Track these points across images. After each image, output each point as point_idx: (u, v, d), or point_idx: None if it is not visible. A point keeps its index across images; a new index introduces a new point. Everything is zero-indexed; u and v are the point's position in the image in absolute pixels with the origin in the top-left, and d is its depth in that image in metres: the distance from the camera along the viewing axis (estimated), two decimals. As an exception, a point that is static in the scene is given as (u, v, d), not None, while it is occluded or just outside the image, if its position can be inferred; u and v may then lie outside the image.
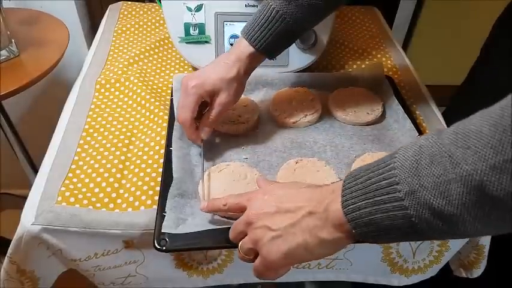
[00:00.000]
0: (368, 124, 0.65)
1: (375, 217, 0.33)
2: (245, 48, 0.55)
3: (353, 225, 0.34)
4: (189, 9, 0.71)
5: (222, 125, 0.61)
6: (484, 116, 0.28)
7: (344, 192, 0.35)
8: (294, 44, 0.71)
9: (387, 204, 0.32)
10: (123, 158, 0.59)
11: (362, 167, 0.36)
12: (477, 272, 0.63)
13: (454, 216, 0.29)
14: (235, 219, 0.48)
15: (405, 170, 0.31)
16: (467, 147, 0.28)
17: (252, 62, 0.56)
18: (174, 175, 0.53)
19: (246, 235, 0.41)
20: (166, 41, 0.82)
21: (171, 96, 0.66)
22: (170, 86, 0.71)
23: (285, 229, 0.38)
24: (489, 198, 0.27)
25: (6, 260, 0.54)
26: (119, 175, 0.57)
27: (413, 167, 0.31)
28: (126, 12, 0.92)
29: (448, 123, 0.66)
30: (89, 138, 0.62)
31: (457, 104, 0.74)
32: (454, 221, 0.29)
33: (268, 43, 0.55)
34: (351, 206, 0.34)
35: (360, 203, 0.33)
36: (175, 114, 0.59)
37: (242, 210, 0.43)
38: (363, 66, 0.79)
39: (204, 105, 0.57)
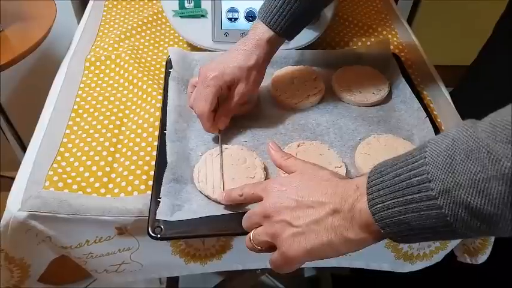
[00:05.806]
0: (373, 105, 0.62)
1: (405, 217, 0.30)
2: (264, 33, 0.53)
3: (381, 225, 0.32)
4: (184, -20, 0.66)
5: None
6: None
7: (370, 190, 0.33)
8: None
9: (419, 203, 0.29)
10: (114, 140, 0.56)
11: (387, 161, 0.33)
12: (482, 258, 0.61)
13: (494, 216, 0.26)
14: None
15: (438, 166, 0.29)
16: (507, 141, 0.25)
17: (271, 47, 0.54)
18: (168, 159, 0.50)
19: (260, 226, 0.40)
20: (159, 16, 0.78)
21: (165, 74, 0.62)
22: (164, 63, 0.67)
23: (307, 226, 0.36)
24: None
25: (-7, 247, 0.52)
26: (110, 158, 0.54)
27: (447, 163, 0.28)
28: (117, -15, 0.86)
29: (456, 104, 0.63)
30: (78, 119, 0.59)
31: (467, 84, 0.71)
32: (495, 220, 0.27)
33: (288, 25, 0.52)
34: (379, 205, 0.32)
35: (388, 202, 0.31)
36: (190, 104, 0.55)
37: (258, 200, 0.41)
38: (369, 43, 0.75)
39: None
